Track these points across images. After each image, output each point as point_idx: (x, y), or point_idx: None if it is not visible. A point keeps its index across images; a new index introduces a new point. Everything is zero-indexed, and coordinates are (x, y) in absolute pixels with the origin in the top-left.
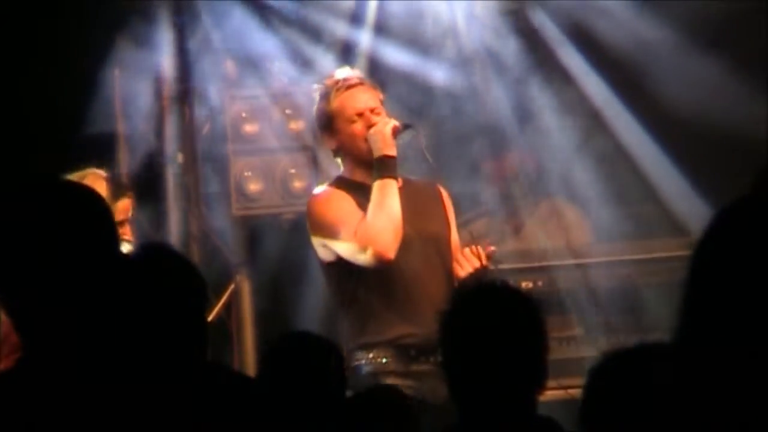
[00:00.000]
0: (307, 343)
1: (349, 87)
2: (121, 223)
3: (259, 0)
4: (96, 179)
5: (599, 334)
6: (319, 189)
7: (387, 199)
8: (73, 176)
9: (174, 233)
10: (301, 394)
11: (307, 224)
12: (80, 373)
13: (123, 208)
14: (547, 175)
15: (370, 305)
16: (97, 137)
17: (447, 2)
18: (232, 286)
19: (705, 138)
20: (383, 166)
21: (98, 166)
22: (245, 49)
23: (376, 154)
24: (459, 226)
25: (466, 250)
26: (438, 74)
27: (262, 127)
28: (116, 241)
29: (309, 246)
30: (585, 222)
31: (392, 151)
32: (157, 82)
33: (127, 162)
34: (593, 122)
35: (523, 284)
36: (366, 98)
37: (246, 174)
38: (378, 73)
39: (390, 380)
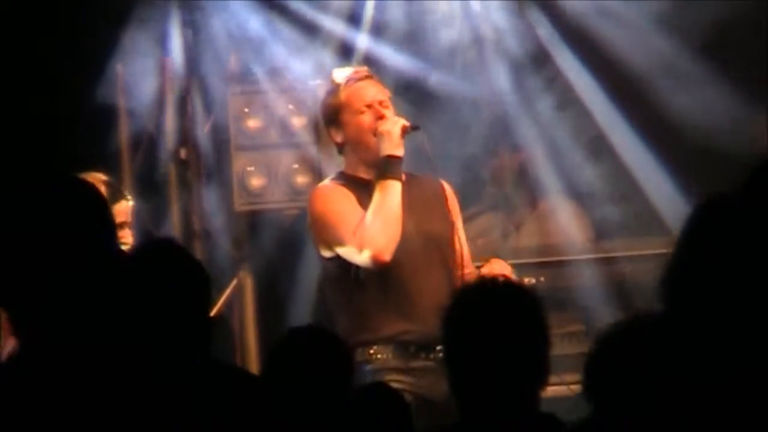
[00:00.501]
0: (314, 337)
1: (358, 80)
2: (120, 226)
3: None
4: (94, 182)
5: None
6: (320, 185)
7: (387, 200)
8: None
9: (176, 229)
10: (308, 388)
11: (307, 220)
12: (78, 368)
13: (120, 211)
14: (548, 171)
15: (370, 302)
16: (99, 130)
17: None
18: (235, 282)
19: (703, 150)
20: (388, 166)
21: (99, 168)
22: (248, 44)
23: (383, 152)
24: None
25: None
26: (437, 69)
27: (265, 123)
28: (115, 235)
29: (311, 242)
30: (586, 219)
31: (399, 152)
32: (160, 76)
33: (129, 157)
34: (591, 119)
35: (525, 280)
36: (374, 91)
37: (248, 169)
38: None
39: (389, 377)
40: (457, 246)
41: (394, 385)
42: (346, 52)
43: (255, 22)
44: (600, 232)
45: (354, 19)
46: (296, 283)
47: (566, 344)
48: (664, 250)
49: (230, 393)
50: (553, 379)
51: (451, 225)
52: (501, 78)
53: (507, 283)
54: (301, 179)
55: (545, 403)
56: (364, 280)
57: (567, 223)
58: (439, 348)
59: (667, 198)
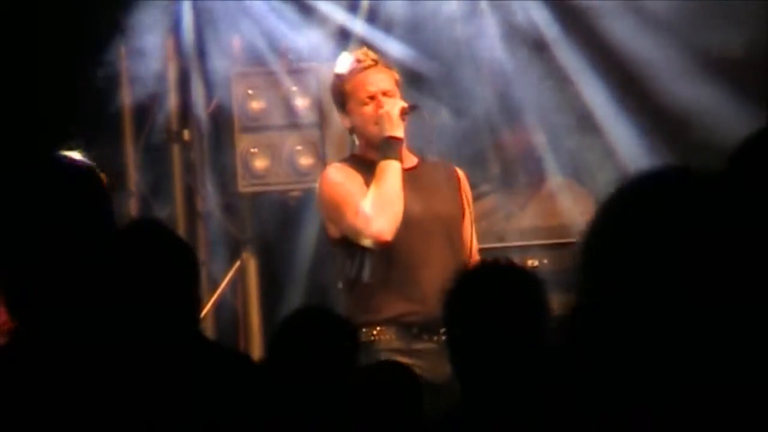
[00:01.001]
0: (318, 318)
1: (363, 69)
2: None
3: None
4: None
5: None
6: (329, 166)
7: (386, 181)
8: None
9: (179, 210)
10: (313, 369)
11: (315, 200)
12: (71, 348)
13: None
14: (552, 153)
15: (374, 283)
16: (102, 114)
17: None
18: (238, 263)
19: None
20: (388, 147)
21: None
22: (252, 26)
23: (383, 134)
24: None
25: None
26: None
27: (269, 104)
28: (110, 215)
29: (315, 223)
30: (590, 201)
31: (398, 132)
32: (164, 58)
33: (132, 138)
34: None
35: (528, 262)
36: (379, 80)
37: (252, 151)
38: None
39: (392, 358)
40: (466, 234)
41: None
42: (345, 35)
43: (259, 3)
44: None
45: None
46: (299, 264)
47: None
48: None
49: (217, 372)
50: None
51: (461, 210)
52: (499, 50)
53: (509, 265)
54: (305, 161)
55: None
56: (369, 260)
57: (571, 204)
58: (442, 330)
59: None
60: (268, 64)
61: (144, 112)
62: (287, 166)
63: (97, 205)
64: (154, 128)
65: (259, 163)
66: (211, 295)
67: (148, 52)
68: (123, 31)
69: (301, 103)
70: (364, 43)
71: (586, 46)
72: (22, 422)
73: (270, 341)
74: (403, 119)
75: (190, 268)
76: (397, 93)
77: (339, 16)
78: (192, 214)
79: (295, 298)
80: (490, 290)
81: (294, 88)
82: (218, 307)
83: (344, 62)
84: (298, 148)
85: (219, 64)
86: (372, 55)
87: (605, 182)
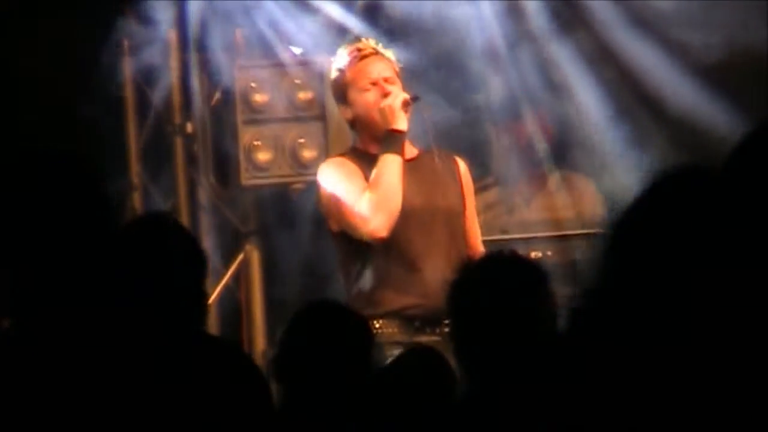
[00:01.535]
0: (333, 312)
1: (363, 57)
2: None
3: None
4: None
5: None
6: (329, 159)
7: (385, 175)
8: None
9: (182, 202)
10: (328, 362)
11: (316, 194)
12: (71, 340)
13: None
14: (560, 145)
15: (376, 276)
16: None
17: None
18: (241, 256)
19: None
20: (390, 141)
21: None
22: (255, 18)
23: (385, 127)
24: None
25: None
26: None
27: (272, 97)
28: (111, 210)
29: (318, 215)
30: (597, 194)
31: (401, 125)
32: (167, 51)
33: (136, 131)
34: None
35: (533, 254)
36: (380, 68)
37: (255, 143)
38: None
39: (395, 351)
40: (468, 225)
41: None
42: (348, 28)
43: None
44: (612, 208)
45: None
46: (302, 257)
47: None
48: None
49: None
50: None
51: (462, 201)
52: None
53: (513, 257)
54: (308, 153)
55: None
56: (370, 254)
57: (575, 197)
58: (446, 323)
59: None
60: (272, 57)
61: (147, 103)
62: (290, 158)
63: (93, 199)
64: (158, 122)
65: (262, 156)
66: (215, 288)
67: (151, 44)
68: (126, 23)
69: (304, 95)
70: (365, 35)
71: (582, 42)
72: (21, 420)
73: (283, 336)
74: (405, 111)
75: (198, 263)
76: (398, 82)
77: (341, 9)
78: (195, 206)
79: (297, 290)
80: (495, 282)
81: (297, 81)
82: (221, 298)
83: (343, 55)
84: (301, 140)
85: (222, 56)
86: (372, 43)
87: (609, 175)
